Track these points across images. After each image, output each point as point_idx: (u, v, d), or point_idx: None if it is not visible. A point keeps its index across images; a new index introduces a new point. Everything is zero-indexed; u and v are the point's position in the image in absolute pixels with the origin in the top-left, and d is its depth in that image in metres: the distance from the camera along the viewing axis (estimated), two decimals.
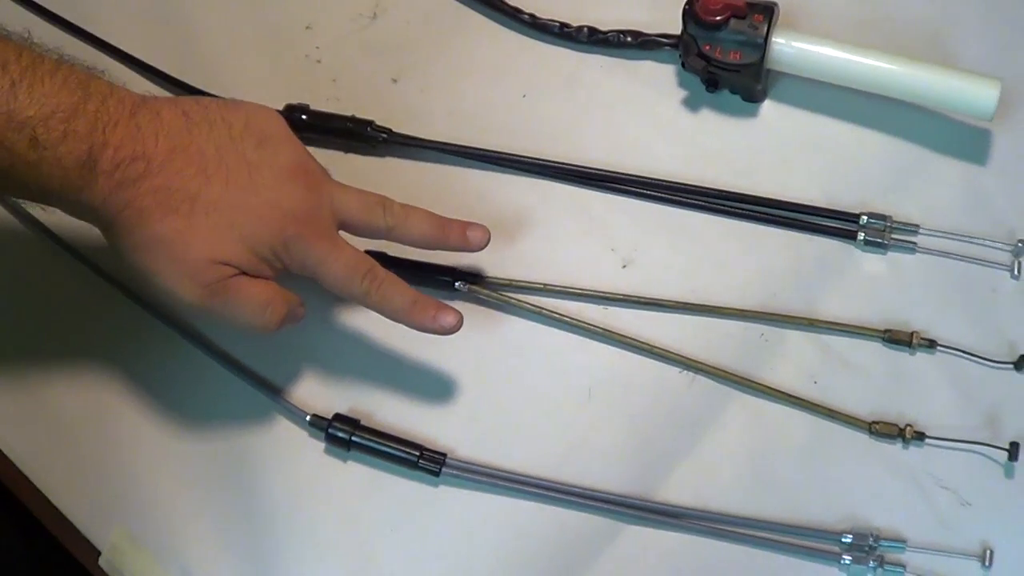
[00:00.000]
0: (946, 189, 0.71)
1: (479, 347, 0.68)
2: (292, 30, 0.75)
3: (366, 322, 0.68)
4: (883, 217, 0.69)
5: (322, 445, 0.66)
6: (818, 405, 0.66)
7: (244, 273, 0.58)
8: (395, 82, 0.73)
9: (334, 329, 0.68)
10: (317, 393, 0.67)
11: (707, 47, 0.69)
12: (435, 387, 0.67)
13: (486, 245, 0.64)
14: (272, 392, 0.67)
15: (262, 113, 0.61)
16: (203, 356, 0.68)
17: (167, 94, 0.72)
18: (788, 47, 0.69)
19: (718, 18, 0.68)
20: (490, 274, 0.68)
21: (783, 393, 0.66)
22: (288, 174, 0.59)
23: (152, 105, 0.57)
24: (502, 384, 0.67)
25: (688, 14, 0.69)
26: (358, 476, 0.66)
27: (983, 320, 0.68)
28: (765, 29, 0.68)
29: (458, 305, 0.67)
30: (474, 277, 0.68)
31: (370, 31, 0.75)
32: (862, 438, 0.65)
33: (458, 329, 0.62)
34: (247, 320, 0.59)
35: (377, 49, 0.75)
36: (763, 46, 0.68)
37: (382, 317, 0.64)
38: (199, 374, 0.68)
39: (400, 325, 0.63)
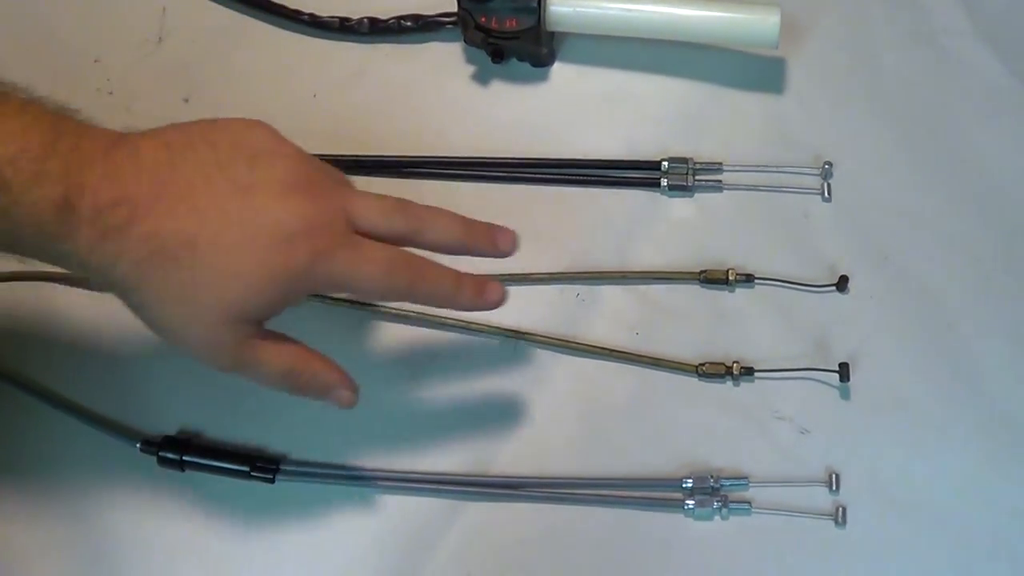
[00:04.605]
0: (747, 123, 0.71)
1: None
2: (81, 66, 0.74)
3: None
4: (684, 160, 0.68)
5: (157, 469, 0.64)
6: (642, 356, 0.65)
7: (264, 328, 0.54)
8: (187, 102, 0.72)
9: (153, 350, 0.66)
10: (146, 418, 0.65)
11: (483, 19, 0.68)
12: (260, 393, 0.64)
13: (515, 249, 0.59)
14: (99, 424, 0.65)
15: (249, 128, 0.54)
16: (19, 393, 0.66)
17: None
18: (564, 6, 0.69)
19: None
20: None
21: (606, 349, 0.65)
22: (288, 189, 0.52)
23: (130, 141, 0.51)
24: None
25: None
26: (197, 495, 0.64)
27: (800, 247, 0.67)
28: None
29: None
30: None
31: (158, 55, 0.74)
32: (691, 382, 0.65)
33: (504, 300, 0.58)
34: (264, 386, 0.56)
35: (167, 72, 0.74)
36: (537, 10, 0.68)
37: None
38: (17, 413, 0.66)
39: None
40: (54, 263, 0.51)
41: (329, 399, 0.56)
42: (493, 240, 0.58)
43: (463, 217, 0.57)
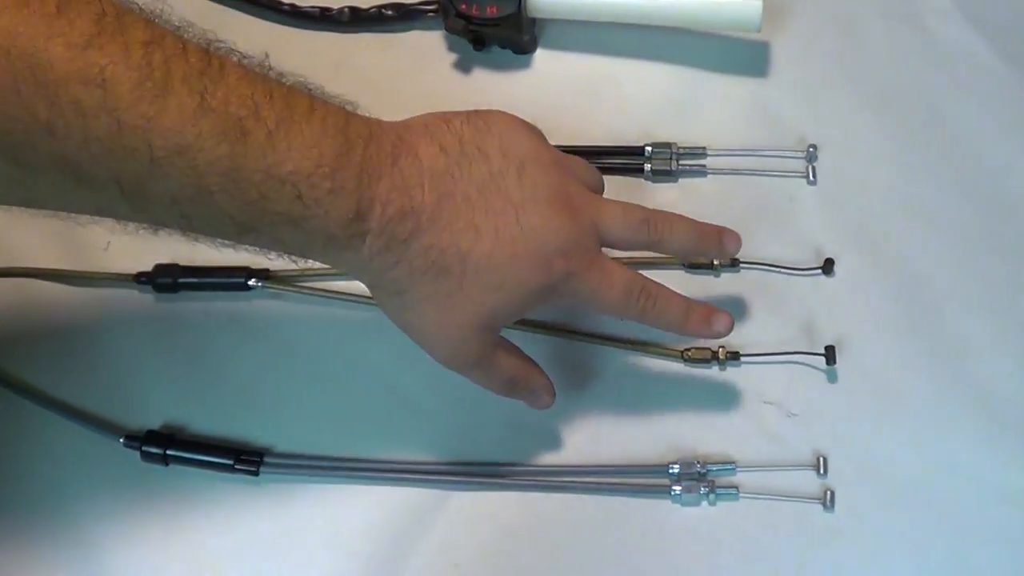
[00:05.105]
0: (731, 107, 0.70)
1: (282, 340, 0.66)
2: None
3: (164, 333, 0.67)
4: (667, 145, 0.68)
5: (140, 464, 0.64)
6: (627, 341, 0.65)
7: (502, 338, 0.57)
8: None
9: (136, 343, 0.67)
10: (129, 413, 0.65)
11: (464, 6, 0.68)
12: (245, 386, 0.66)
13: (738, 251, 0.61)
14: (81, 419, 0.65)
15: (512, 130, 0.55)
16: (0, 389, 0.65)
17: None
18: None
19: None
20: (281, 266, 0.67)
21: (590, 335, 0.65)
22: (551, 206, 0.53)
23: (408, 142, 0.52)
24: (310, 372, 0.66)
25: None
26: (181, 489, 0.64)
27: (785, 230, 0.67)
28: None
29: (254, 301, 0.67)
30: (265, 272, 0.66)
31: None
32: (677, 367, 0.64)
33: (731, 331, 0.59)
34: (487, 387, 0.59)
35: None
36: None
37: (179, 326, 0.65)
38: None
39: (203, 330, 0.64)
40: (332, 265, 0.54)
41: (534, 404, 0.60)
42: (721, 242, 0.60)
43: (696, 222, 0.60)
